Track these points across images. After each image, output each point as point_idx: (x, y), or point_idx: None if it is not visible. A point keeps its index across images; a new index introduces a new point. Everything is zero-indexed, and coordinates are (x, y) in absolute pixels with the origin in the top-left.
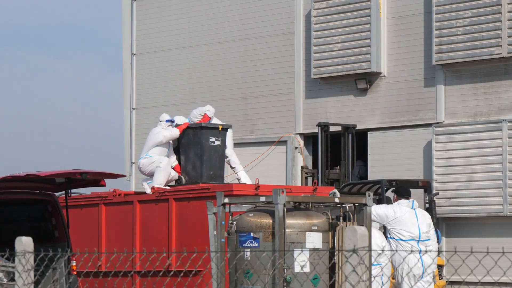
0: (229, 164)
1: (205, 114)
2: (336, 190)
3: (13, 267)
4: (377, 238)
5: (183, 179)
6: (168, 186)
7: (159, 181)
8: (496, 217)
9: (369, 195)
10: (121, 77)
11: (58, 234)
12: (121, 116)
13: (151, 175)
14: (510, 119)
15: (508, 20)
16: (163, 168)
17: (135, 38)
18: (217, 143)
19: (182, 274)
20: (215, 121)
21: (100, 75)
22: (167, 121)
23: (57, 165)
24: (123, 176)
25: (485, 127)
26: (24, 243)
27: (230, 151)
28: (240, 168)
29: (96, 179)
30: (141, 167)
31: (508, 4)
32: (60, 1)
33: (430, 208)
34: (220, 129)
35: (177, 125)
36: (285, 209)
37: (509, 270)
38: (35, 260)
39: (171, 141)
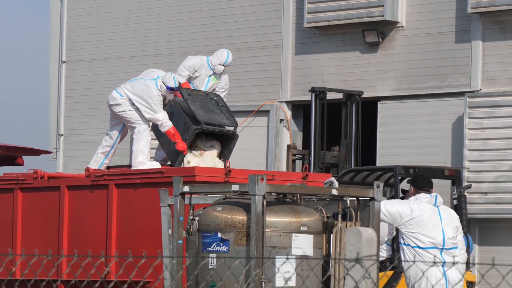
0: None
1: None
2: (333, 179)
3: None
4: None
5: None
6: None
7: (143, 150)
8: None
9: (378, 187)
10: (47, 18)
11: None
12: (46, 72)
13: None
14: None
15: None
16: (142, 135)
17: None
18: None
19: (125, 286)
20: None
21: (16, 15)
22: (168, 88)
23: None
24: (48, 152)
25: None
26: None
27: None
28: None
29: (11, 155)
30: (110, 101)
31: None
32: None
33: (459, 206)
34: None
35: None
36: (264, 202)
37: None
38: None
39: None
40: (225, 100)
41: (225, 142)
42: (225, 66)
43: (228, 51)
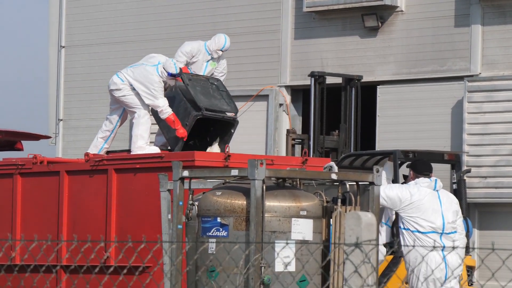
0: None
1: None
2: (333, 163)
3: None
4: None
5: None
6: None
7: (142, 135)
8: None
9: (377, 171)
10: (47, 3)
11: None
12: (45, 57)
13: (115, 100)
14: None
15: None
16: (142, 120)
17: None
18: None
19: (125, 271)
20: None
21: (16, 0)
22: (169, 74)
23: None
24: (47, 137)
25: None
26: None
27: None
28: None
29: (10, 140)
30: (110, 85)
31: None
32: None
33: (458, 190)
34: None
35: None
36: (264, 187)
37: None
38: None
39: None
40: None
41: (225, 128)
42: (222, 51)
43: (226, 36)
